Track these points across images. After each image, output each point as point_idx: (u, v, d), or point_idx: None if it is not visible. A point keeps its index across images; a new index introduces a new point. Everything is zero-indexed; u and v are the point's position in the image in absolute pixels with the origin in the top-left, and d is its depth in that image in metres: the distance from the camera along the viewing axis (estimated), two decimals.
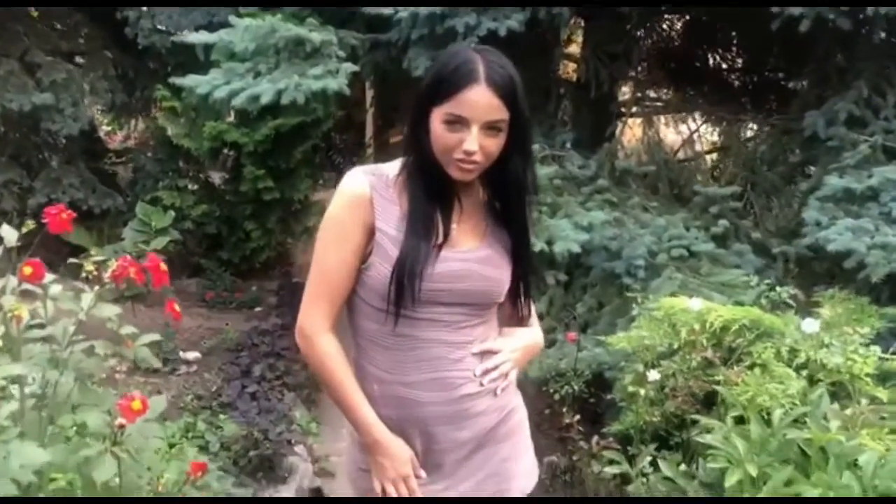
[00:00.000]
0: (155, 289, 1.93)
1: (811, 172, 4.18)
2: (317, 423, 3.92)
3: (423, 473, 1.64)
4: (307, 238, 6.89)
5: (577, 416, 2.95)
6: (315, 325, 1.60)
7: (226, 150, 6.29)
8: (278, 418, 3.43)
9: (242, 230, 6.30)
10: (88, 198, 5.78)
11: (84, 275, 1.67)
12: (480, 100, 1.47)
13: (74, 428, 1.71)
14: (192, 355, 4.68)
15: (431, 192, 1.56)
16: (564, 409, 3.29)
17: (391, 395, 1.61)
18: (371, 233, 1.56)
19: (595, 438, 2.73)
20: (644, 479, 2.33)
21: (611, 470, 2.37)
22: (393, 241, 1.54)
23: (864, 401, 2.25)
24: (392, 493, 1.61)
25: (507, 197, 1.64)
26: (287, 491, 3.18)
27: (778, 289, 2.92)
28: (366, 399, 1.61)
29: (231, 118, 6.16)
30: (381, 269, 1.54)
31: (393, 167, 1.61)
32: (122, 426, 1.60)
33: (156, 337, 1.86)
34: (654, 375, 2.50)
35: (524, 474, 1.78)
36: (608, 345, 3.18)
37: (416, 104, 1.55)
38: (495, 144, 1.51)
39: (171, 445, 3.02)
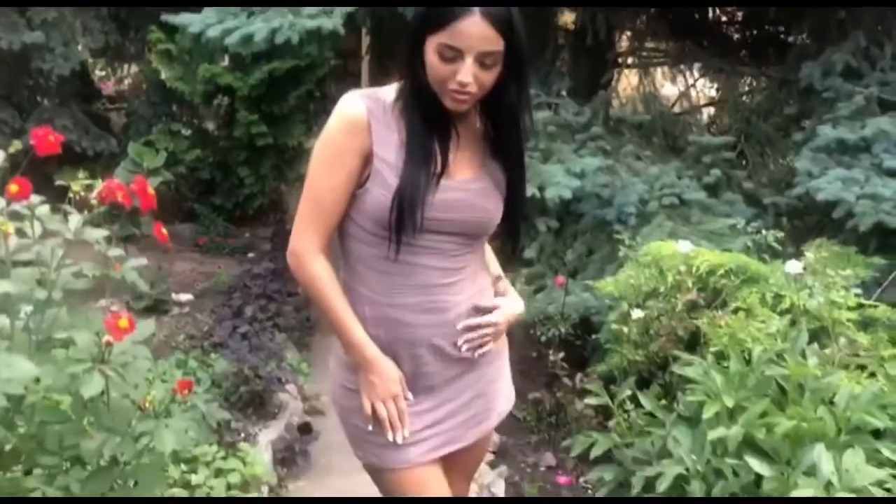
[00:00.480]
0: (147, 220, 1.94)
1: (806, 125, 4.17)
2: (308, 364, 3.97)
3: (410, 396, 1.66)
4: (301, 185, 6.87)
5: (563, 355, 2.98)
6: (306, 247, 1.61)
7: (220, 96, 6.24)
8: (269, 356, 3.46)
9: (236, 176, 6.28)
10: (81, 139, 5.74)
11: (71, 196, 1.67)
12: (475, 30, 1.45)
13: (63, 347, 1.73)
14: (185, 297, 4.71)
15: (428, 120, 1.55)
16: (551, 351, 3.34)
17: (382, 316, 1.63)
18: (367, 158, 1.56)
19: (579, 376, 2.78)
20: (625, 415, 2.37)
21: (591, 402, 2.41)
22: (392, 169, 1.54)
23: (843, 341, 2.29)
24: (381, 411, 1.63)
25: (503, 127, 1.63)
26: (276, 427, 3.23)
27: (764, 232, 2.94)
28: (356, 318, 1.62)
29: (225, 62, 6.11)
30: (380, 196, 1.54)
31: (390, 92, 1.60)
32: (109, 344, 1.62)
33: (143, 261, 1.88)
34: (637, 313, 2.53)
35: (505, 397, 1.82)
36: (596, 289, 3.22)
37: (411, 32, 1.54)
38: (490, 76, 1.51)
39: (163, 382, 3.06)
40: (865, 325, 2.71)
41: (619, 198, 3.81)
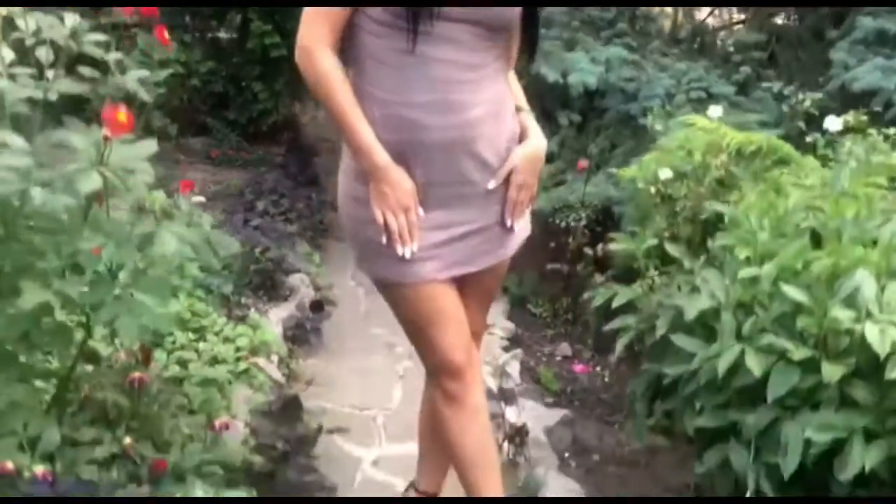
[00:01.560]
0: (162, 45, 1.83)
1: (843, 23, 3.98)
2: (320, 259, 3.89)
3: (422, 211, 1.57)
4: (316, 103, 6.77)
5: (585, 230, 2.89)
6: (316, 39, 1.52)
7: (234, 6, 6.11)
8: (281, 238, 3.38)
9: (250, 91, 6.17)
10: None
11: None
12: None
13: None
14: (197, 199, 4.62)
15: None
16: (571, 239, 3.24)
17: (394, 117, 1.53)
18: None
19: (600, 245, 2.68)
20: (649, 279, 2.25)
21: (613, 246, 2.30)
22: None
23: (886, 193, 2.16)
24: (392, 223, 1.55)
25: None
26: (287, 308, 3.16)
27: (800, 95, 2.80)
28: (366, 121, 1.53)
29: None
30: None
31: None
32: (107, 139, 1.53)
33: (146, 73, 1.78)
34: (667, 173, 2.39)
35: (523, 226, 1.72)
36: (618, 176, 3.09)
37: None
38: None
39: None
40: None
41: (645, 91, 3.67)
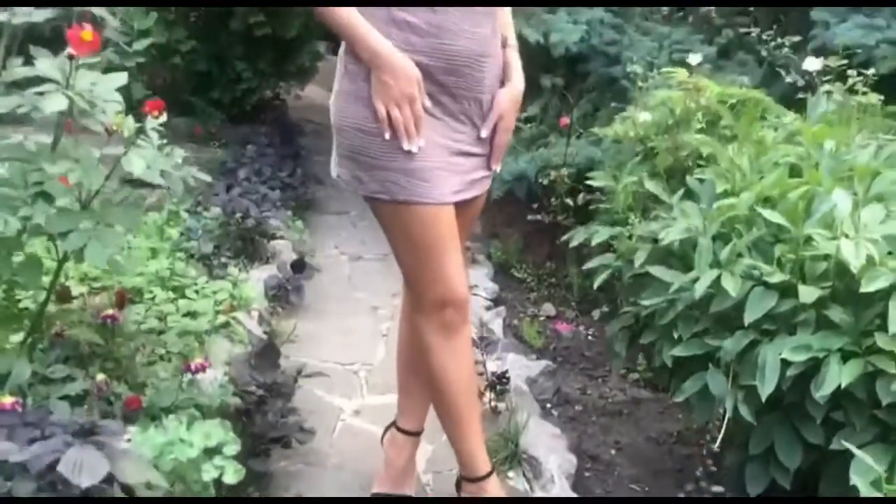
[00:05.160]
0: None
1: None
2: (303, 227, 3.86)
3: (428, 101, 1.52)
4: (300, 82, 6.73)
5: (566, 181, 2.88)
6: None
7: None
8: (262, 200, 3.35)
9: (234, 70, 6.12)
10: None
11: None
12: None
13: None
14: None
15: None
16: (553, 198, 3.22)
17: (423, 24, 1.49)
18: None
19: (581, 195, 2.66)
20: (630, 215, 2.21)
21: (592, 182, 2.29)
22: None
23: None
24: (396, 116, 1.49)
25: None
26: (269, 269, 3.14)
27: (779, 39, 2.79)
28: (358, 14, 1.48)
29: None
30: None
31: None
32: (71, 57, 1.51)
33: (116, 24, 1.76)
34: (645, 116, 2.38)
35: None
36: (601, 136, 3.08)
37: None
38: None
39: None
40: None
41: (626, 55, 3.65)
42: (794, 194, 1.75)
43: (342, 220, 4.48)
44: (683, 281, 1.74)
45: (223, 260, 2.98)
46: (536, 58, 3.65)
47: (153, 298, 2.59)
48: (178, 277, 2.74)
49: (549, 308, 3.27)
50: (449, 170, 1.57)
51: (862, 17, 3.40)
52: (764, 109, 2.77)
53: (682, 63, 3.68)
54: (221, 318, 2.46)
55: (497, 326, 2.89)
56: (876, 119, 2.57)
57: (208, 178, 1.99)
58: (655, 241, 1.90)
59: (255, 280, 2.95)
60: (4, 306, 1.82)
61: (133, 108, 4.61)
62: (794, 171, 1.97)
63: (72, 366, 1.77)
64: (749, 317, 1.61)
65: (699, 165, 2.11)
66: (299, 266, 3.07)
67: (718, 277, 1.66)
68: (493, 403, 2.33)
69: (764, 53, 3.97)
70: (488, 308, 3.08)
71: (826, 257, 1.66)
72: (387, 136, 1.51)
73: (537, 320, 3.18)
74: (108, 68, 1.94)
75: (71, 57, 1.49)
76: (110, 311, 1.85)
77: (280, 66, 6.27)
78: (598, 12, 3.63)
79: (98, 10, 1.69)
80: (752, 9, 4.21)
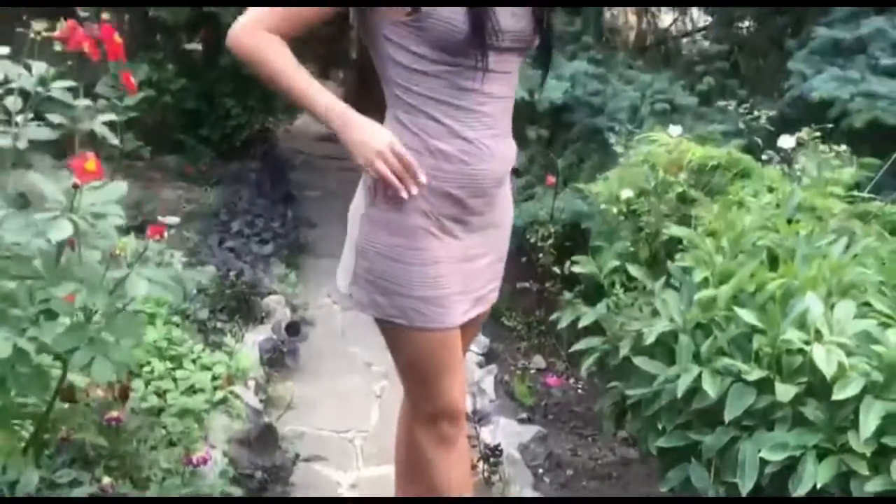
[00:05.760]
0: (128, 90, 1.85)
1: (801, 32, 4.08)
2: (296, 278, 3.92)
3: (422, 177, 1.48)
4: (289, 117, 6.80)
5: (552, 250, 2.95)
6: (257, 26, 1.44)
7: (205, 25, 6.12)
8: (256, 261, 3.41)
9: (223, 107, 6.19)
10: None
11: (32, 36, 1.60)
12: None
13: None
14: (171, 219, 4.62)
15: None
16: (541, 255, 3.30)
17: (453, 151, 1.50)
18: None
19: (567, 263, 2.74)
20: (614, 296, 2.31)
21: (577, 269, 2.36)
22: None
23: (835, 222, 2.24)
24: (382, 169, 1.44)
25: None
26: (265, 330, 3.20)
27: (755, 112, 2.88)
28: (314, 80, 1.47)
29: None
30: (450, 13, 1.39)
31: None
32: (76, 186, 1.57)
33: (113, 116, 1.82)
34: (627, 193, 2.47)
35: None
36: (586, 191, 3.16)
37: None
38: None
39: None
40: (861, 217, 2.67)
41: (611, 105, 3.74)
42: (772, 286, 1.83)
43: (334, 265, 4.51)
44: (667, 374, 1.81)
45: (218, 325, 3.03)
46: (522, 111, 3.73)
47: (151, 371, 2.64)
48: (175, 346, 2.79)
49: (539, 360, 3.34)
50: (464, 292, 1.60)
51: (836, 69, 3.49)
52: (744, 169, 2.87)
53: (664, 113, 3.80)
54: (220, 394, 2.52)
55: (489, 385, 2.96)
56: (849, 171, 2.67)
57: (208, 275, 2.03)
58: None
59: (250, 344, 3.01)
60: (9, 408, 1.87)
61: (127, 156, 4.63)
62: (772, 252, 2.06)
63: (77, 468, 1.82)
64: (729, 414, 1.68)
65: (679, 248, 2.18)
66: (294, 329, 3.13)
67: (699, 374, 1.73)
68: (486, 474, 2.39)
69: (742, 126, 4.09)
70: (480, 365, 3.14)
71: (801, 351, 1.73)
72: (385, 193, 1.49)
73: (528, 374, 3.25)
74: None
75: (76, 186, 1.55)
76: (115, 413, 1.91)
77: (269, 101, 6.33)
78: (582, 65, 3.71)
79: (98, 129, 1.75)
80: (733, 53, 4.32)
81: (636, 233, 2.66)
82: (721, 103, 3.93)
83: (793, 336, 1.65)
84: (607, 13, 4.57)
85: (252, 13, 1.47)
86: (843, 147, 3.29)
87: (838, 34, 3.60)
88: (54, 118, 1.70)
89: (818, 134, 2.53)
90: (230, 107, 6.17)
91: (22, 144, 1.65)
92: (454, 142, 1.49)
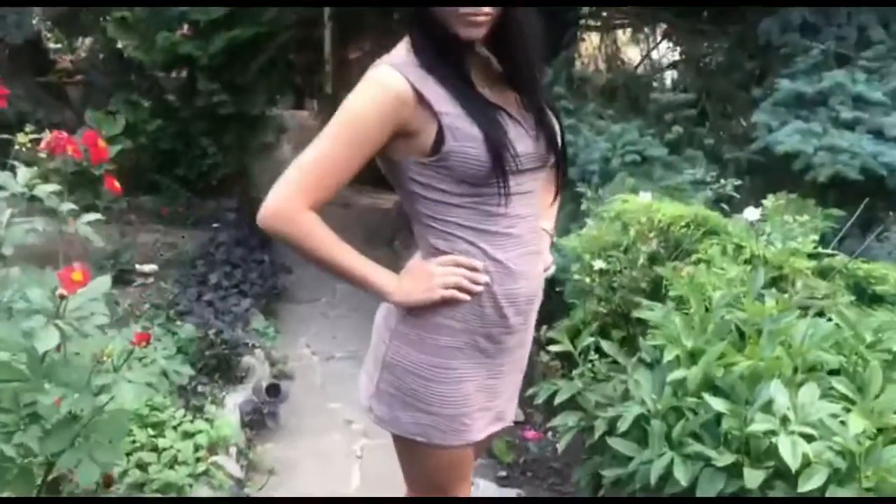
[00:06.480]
0: (113, 193, 1.88)
1: (765, 81, 4.20)
2: (274, 330, 3.95)
3: (481, 270, 1.52)
4: (265, 156, 6.82)
5: None
6: (297, 205, 1.44)
7: (180, 65, 6.14)
8: (235, 320, 3.44)
9: (198, 147, 6.20)
10: (36, 110, 5.60)
11: (17, 148, 1.64)
12: None
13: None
14: (149, 268, 4.66)
15: (453, 61, 1.48)
16: None
17: (493, 272, 1.54)
18: (399, 132, 1.45)
19: (544, 328, 2.80)
20: (589, 364, 2.39)
21: (554, 349, 2.43)
22: (463, 119, 1.44)
23: (800, 285, 2.33)
24: (448, 286, 1.50)
25: (515, 54, 1.53)
26: (244, 390, 3.22)
27: (722, 181, 2.98)
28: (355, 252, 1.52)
29: (185, 30, 5.99)
30: (470, 150, 1.44)
31: (402, 52, 1.50)
32: (62, 296, 1.60)
33: (98, 216, 1.85)
34: (600, 264, 2.54)
35: None
36: (559, 246, 3.23)
37: None
38: None
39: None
40: (824, 274, 2.76)
41: (583, 156, 3.82)
42: (739, 368, 1.90)
43: (312, 311, 4.58)
44: (641, 457, 1.87)
45: (199, 388, 3.05)
46: None
47: (133, 441, 2.66)
48: (156, 412, 2.81)
49: (518, 413, 3.38)
50: (486, 408, 1.62)
51: (800, 122, 3.61)
52: (712, 227, 2.96)
53: (635, 164, 3.89)
54: (202, 466, 2.54)
55: None
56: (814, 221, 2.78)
57: (190, 372, 2.07)
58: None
59: (230, 407, 3.03)
60: None
61: (107, 207, 4.62)
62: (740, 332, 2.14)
63: None
64: (701, 499, 1.75)
65: (651, 326, 2.25)
66: (274, 390, 3.16)
67: (671, 460, 1.80)
68: None
69: (709, 193, 4.20)
70: None
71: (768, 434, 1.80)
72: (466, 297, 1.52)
73: (506, 427, 3.30)
74: (78, 171, 2.04)
75: (63, 297, 1.59)
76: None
77: (245, 140, 6.35)
78: None
79: (83, 231, 1.79)
80: (700, 100, 4.44)
81: (608, 291, 2.73)
82: (691, 150, 4.06)
83: (759, 427, 1.71)
84: (577, 62, 4.66)
85: (289, 190, 1.45)
86: (811, 201, 3.42)
87: (801, 87, 3.72)
88: (39, 224, 1.74)
89: (783, 201, 2.62)
90: (206, 146, 6.18)
91: (7, 251, 1.68)
92: (487, 263, 1.52)
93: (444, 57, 1.47)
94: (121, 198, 4.57)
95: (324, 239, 1.47)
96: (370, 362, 1.65)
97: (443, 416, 1.56)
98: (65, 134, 1.69)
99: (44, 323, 1.62)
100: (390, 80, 1.43)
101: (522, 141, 1.50)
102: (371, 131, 1.44)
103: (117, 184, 1.79)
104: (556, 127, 1.59)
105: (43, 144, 1.63)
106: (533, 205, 1.58)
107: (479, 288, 1.52)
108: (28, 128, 1.72)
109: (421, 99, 1.44)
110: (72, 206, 1.75)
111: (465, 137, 1.44)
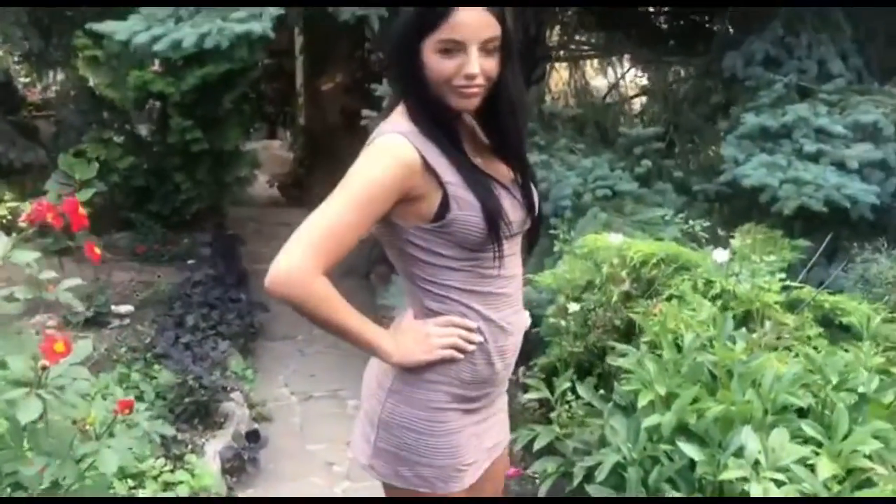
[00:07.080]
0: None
1: (731, 113, 4.31)
2: (253, 371, 3.95)
3: (475, 330, 1.57)
4: (238, 189, 6.82)
5: None
6: (310, 271, 1.46)
7: (152, 101, 6.15)
8: (213, 365, 3.45)
9: (172, 182, 6.19)
10: (8, 151, 5.59)
11: None
12: (474, 18, 1.43)
13: None
14: (125, 308, 4.63)
15: (447, 131, 1.52)
16: None
17: (488, 331, 1.59)
18: (405, 198, 1.49)
19: (521, 369, 2.84)
20: (566, 406, 2.44)
21: (531, 396, 2.47)
22: (464, 188, 1.49)
23: (769, 324, 2.39)
24: (445, 346, 1.55)
25: (504, 124, 1.57)
26: (223, 437, 3.22)
27: (691, 222, 3.05)
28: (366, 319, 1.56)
29: (156, 67, 6.00)
30: (470, 218, 1.49)
31: (402, 118, 1.53)
32: (45, 367, 1.61)
33: (78, 281, 1.86)
34: (574, 307, 2.59)
35: None
36: (534, 283, 3.28)
37: (401, 41, 1.49)
38: (493, 63, 1.48)
39: (105, 398, 3.02)
40: (792, 306, 2.84)
41: (555, 192, 3.88)
42: (712, 413, 1.95)
43: (289, 348, 4.58)
44: None
45: (179, 436, 3.04)
46: None
47: (113, 494, 2.65)
48: (136, 463, 2.81)
49: None
50: (477, 449, 1.66)
51: (765, 154, 3.71)
52: (683, 263, 3.03)
53: (606, 198, 3.97)
54: None
55: None
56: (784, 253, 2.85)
57: (171, 431, 2.07)
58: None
59: (210, 455, 3.03)
60: None
61: (79, 247, 4.60)
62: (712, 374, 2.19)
63: None
64: None
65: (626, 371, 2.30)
66: (254, 436, 3.17)
67: None
68: None
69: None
70: None
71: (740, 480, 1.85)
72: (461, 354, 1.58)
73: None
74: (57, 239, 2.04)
75: (45, 368, 1.60)
76: None
77: (218, 175, 6.35)
78: (531, 156, 3.86)
79: (63, 298, 1.80)
80: (668, 133, 4.53)
81: (583, 328, 2.79)
82: (661, 184, 4.15)
83: (731, 474, 1.76)
84: (547, 97, 4.75)
85: (304, 255, 1.46)
86: (778, 232, 3.50)
87: (765, 121, 3.82)
88: (18, 289, 1.75)
89: (751, 240, 2.70)
90: (179, 181, 6.17)
91: None
92: (481, 324, 1.57)
93: (440, 127, 1.52)
94: (96, 238, 4.55)
95: (338, 308, 1.50)
96: (365, 423, 1.68)
97: (440, 467, 1.61)
98: (45, 202, 1.70)
99: (25, 393, 1.62)
100: (402, 149, 1.48)
101: (514, 209, 1.56)
102: (382, 198, 1.48)
103: (98, 248, 1.80)
104: (536, 195, 1.64)
105: (23, 218, 1.65)
106: (518, 264, 1.66)
107: (473, 347, 1.58)
108: (7, 195, 1.73)
109: (428, 167, 1.48)
110: (52, 273, 1.76)
111: (467, 206, 1.49)
